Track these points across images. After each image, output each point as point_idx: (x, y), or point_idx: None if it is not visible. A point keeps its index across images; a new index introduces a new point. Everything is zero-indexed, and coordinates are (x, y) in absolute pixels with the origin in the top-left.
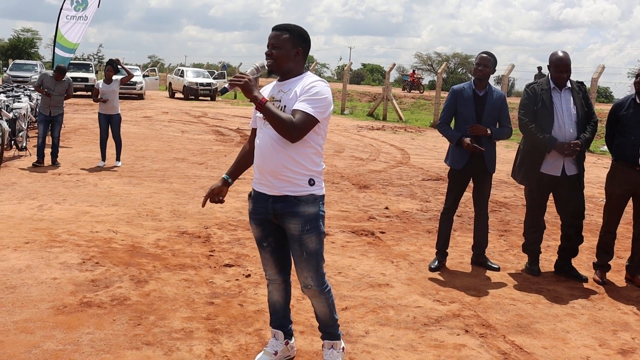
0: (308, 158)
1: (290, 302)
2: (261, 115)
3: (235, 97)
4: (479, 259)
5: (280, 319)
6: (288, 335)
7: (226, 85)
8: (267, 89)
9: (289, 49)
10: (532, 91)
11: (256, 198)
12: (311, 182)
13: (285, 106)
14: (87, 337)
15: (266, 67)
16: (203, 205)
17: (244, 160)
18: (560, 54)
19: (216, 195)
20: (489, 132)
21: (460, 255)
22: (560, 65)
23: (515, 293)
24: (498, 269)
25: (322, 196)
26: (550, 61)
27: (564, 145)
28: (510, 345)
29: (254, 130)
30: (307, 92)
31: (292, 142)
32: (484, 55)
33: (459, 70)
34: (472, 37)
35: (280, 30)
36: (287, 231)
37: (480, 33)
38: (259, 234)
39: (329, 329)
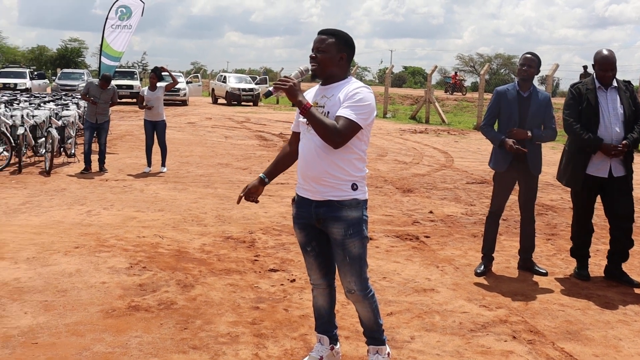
0: (351, 164)
1: (335, 307)
2: (305, 120)
3: (277, 102)
4: (526, 264)
5: (325, 324)
6: (333, 340)
7: (270, 88)
8: (310, 93)
9: (334, 54)
10: (577, 91)
11: (300, 203)
12: (354, 187)
13: (328, 112)
14: (136, 341)
15: (310, 71)
16: (238, 202)
17: (282, 162)
18: (605, 52)
19: (252, 194)
20: (529, 134)
21: (506, 259)
22: (605, 64)
23: (564, 298)
24: (546, 274)
25: (365, 201)
26: (595, 60)
27: (610, 146)
28: (560, 352)
29: (294, 134)
30: (350, 98)
31: (335, 148)
32: (528, 55)
33: (502, 71)
34: (514, 37)
35: (326, 34)
36: (330, 236)
37: (523, 33)
38: (303, 239)
39: (374, 334)
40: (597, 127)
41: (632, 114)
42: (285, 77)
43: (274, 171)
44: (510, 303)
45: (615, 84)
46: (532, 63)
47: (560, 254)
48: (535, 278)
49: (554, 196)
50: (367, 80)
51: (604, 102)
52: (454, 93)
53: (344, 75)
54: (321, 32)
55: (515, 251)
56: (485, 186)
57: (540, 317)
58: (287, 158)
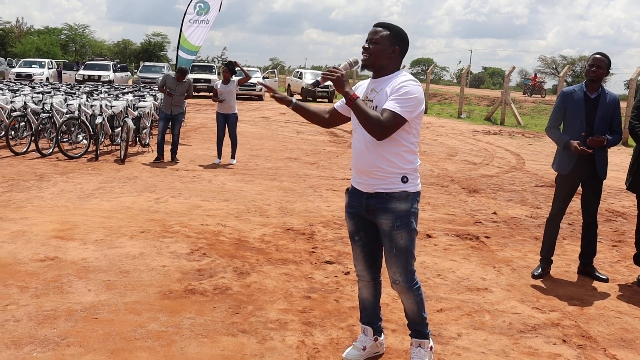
0: (400, 156)
1: (383, 300)
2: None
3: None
4: (586, 269)
5: (370, 316)
6: (377, 331)
7: (318, 78)
8: (362, 86)
9: (387, 46)
10: None
11: (352, 193)
12: (404, 180)
13: (376, 106)
14: (188, 322)
15: (360, 62)
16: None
17: (312, 112)
18: None
19: (279, 97)
20: (604, 142)
21: (567, 263)
22: None
23: (623, 306)
24: (606, 280)
25: (416, 193)
26: None
27: None
28: (611, 359)
29: (334, 110)
30: (397, 91)
31: (378, 140)
32: (598, 56)
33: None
34: (601, 39)
35: (381, 27)
36: (379, 227)
37: (611, 35)
38: (352, 227)
39: (417, 327)
40: None
41: None
42: (333, 67)
43: (303, 107)
44: (565, 307)
45: None
46: (601, 64)
47: (624, 261)
48: (595, 284)
49: (626, 202)
50: (445, 81)
51: None
52: (533, 95)
53: (394, 68)
54: (376, 25)
55: (577, 256)
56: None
57: (595, 322)
58: (316, 115)
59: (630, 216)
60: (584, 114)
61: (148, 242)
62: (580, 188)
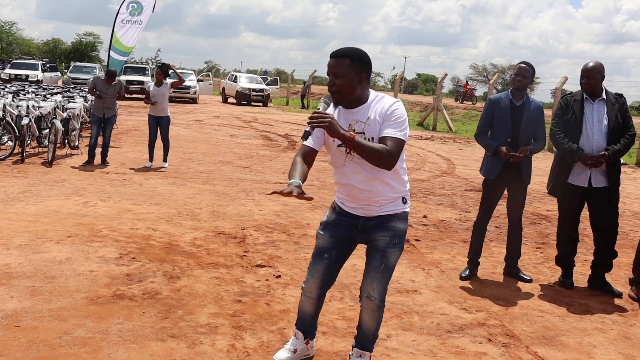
0: (399, 180)
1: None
2: (339, 147)
3: (287, 104)
4: (512, 270)
5: (307, 326)
6: (310, 336)
7: (307, 128)
8: (333, 115)
9: (353, 77)
10: (565, 101)
11: (342, 213)
12: (404, 201)
13: (372, 137)
14: (116, 327)
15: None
16: (306, 198)
17: (302, 170)
18: (590, 63)
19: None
20: (528, 152)
21: (493, 265)
22: (584, 71)
23: (545, 305)
24: (530, 281)
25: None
26: (581, 71)
27: (588, 156)
28: (533, 356)
29: (311, 150)
30: (389, 117)
31: (388, 170)
32: (523, 65)
33: None
34: (530, 49)
35: (340, 57)
36: (370, 243)
37: (539, 45)
38: (327, 245)
39: (366, 342)
40: (579, 138)
41: (618, 127)
42: (316, 112)
43: (301, 176)
44: (491, 307)
45: (604, 96)
46: (526, 73)
47: (547, 262)
48: (519, 284)
49: (550, 206)
50: (379, 87)
51: (590, 113)
52: (464, 102)
53: (367, 94)
54: (334, 55)
55: (503, 258)
56: None
57: (519, 321)
58: (305, 169)
59: (553, 219)
60: (510, 120)
61: (75, 246)
62: (506, 192)
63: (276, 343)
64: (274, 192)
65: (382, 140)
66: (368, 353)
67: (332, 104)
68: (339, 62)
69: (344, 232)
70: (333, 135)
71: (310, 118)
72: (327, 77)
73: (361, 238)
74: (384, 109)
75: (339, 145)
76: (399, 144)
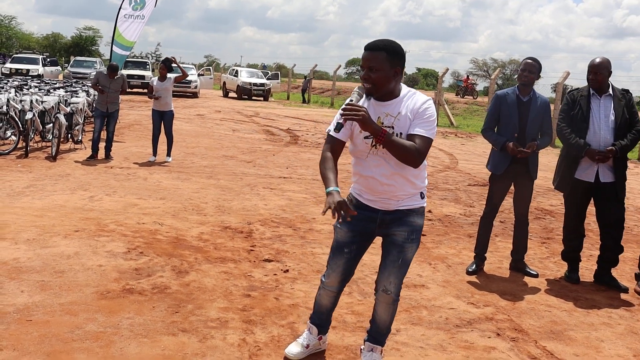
0: (420, 176)
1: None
2: (366, 138)
3: (288, 98)
4: (518, 265)
5: (323, 320)
6: (323, 332)
7: (340, 120)
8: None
9: (388, 70)
10: (572, 97)
11: (360, 206)
12: (422, 196)
13: (401, 133)
14: (127, 322)
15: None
16: (348, 217)
17: (335, 170)
18: (597, 59)
19: (346, 209)
20: (535, 147)
21: (499, 260)
22: (591, 67)
23: (552, 300)
24: (536, 276)
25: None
26: (588, 66)
27: (595, 151)
28: (541, 350)
29: (339, 142)
30: (421, 115)
31: (415, 168)
32: (529, 61)
33: (515, 76)
34: (530, 44)
35: (376, 50)
36: (388, 237)
37: (539, 40)
38: (347, 239)
39: (379, 336)
40: (585, 133)
41: (625, 122)
42: (349, 104)
43: (336, 180)
44: (498, 302)
45: (611, 91)
46: (532, 68)
47: (553, 257)
48: (526, 279)
49: (554, 201)
50: None
51: (596, 109)
52: (465, 96)
53: (399, 88)
54: (369, 48)
55: (509, 252)
56: (486, 189)
57: (526, 316)
58: (335, 164)
59: (558, 214)
60: (517, 116)
61: (83, 241)
62: (512, 187)
63: (286, 337)
64: (325, 212)
65: (411, 137)
66: (380, 347)
67: (364, 95)
68: (375, 55)
69: (361, 225)
70: (366, 129)
71: (343, 110)
72: (360, 69)
73: (379, 231)
74: (415, 106)
75: (366, 137)
76: (428, 143)
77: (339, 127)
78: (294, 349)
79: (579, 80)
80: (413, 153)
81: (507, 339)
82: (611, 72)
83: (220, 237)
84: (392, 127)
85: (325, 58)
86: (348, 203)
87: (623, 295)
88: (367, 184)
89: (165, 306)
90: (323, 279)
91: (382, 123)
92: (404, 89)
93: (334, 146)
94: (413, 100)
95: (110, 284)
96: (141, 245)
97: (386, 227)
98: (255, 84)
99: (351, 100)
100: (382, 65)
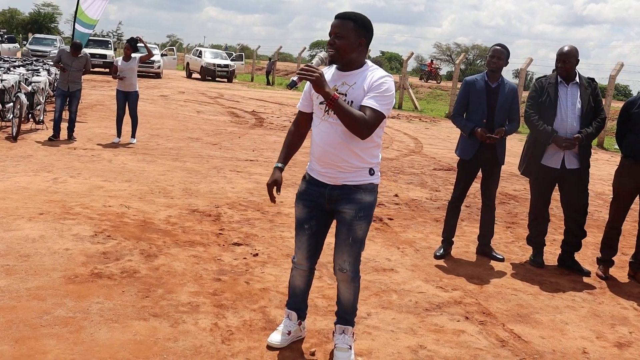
0: (369, 152)
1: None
2: (321, 104)
3: (252, 80)
4: (484, 249)
5: (299, 303)
6: (301, 316)
7: (295, 78)
8: (326, 74)
9: (353, 39)
10: (540, 84)
11: (311, 182)
12: (371, 172)
13: (352, 101)
14: (97, 306)
15: (327, 58)
16: (273, 201)
17: (294, 145)
18: (565, 47)
19: (278, 186)
20: (503, 133)
21: (466, 244)
22: (560, 55)
23: (518, 283)
24: (502, 260)
25: (377, 185)
26: (556, 54)
27: (562, 138)
28: (509, 333)
29: (303, 114)
30: (376, 88)
31: (362, 139)
32: (498, 47)
33: (478, 62)
34: (493, 30)
35: (344, 19)
36: (337, 215)
37: (502, 25)
38: (304, 216)
39: (347, 316)
40: (553, 120)
41: (591, 110)
42: (307, 65)
43: (287, 156)
44: (466, 285)
45: (577, 79)
46: (501, 55)
47: (518, 242)
48: (492, 263)
49: (517, 186)
50: None
51: (564, 97)
52: (429, 81)
53: (363, 60)
54: (338, 17)
55: (475, 237)
56: (452, 173)
57: (493, 300)
58: (297, 140)
59: (521, 199)
60: (486, 102)
61: (48, 224)
62: (480, 173)
63: (258, 322)
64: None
65: (362, 108)
66: (350, 327)
67: (327, 64)
68: (343, 23)
69: (314, 201)
70: (318, 91)
71: (300, 69)
72: (329, 36)
73: (329, 207)
74: (373, 79)
75: (321, 103)
76: (378, 116)
77: (292, 84)
78: (276, 337)
79: (539, 66)
80: (360, 122)
81: (475, 323)
82: (579, 60)
83: (188, 221)
84: (345, 95)
85: (289, 40)
86: (302, 181)
87: (586, 279)
88: (317, 152)
89: (135, 290)
90: (294, 260)
91: (337, 90)
92: (368, 63)
93: (298, 118)
94: (372, 74)
95: (77, 268)
96: (108, 229)
97: (334, 203)
98: (219, 65)
99: (311, 63)
100: (348, 34)
